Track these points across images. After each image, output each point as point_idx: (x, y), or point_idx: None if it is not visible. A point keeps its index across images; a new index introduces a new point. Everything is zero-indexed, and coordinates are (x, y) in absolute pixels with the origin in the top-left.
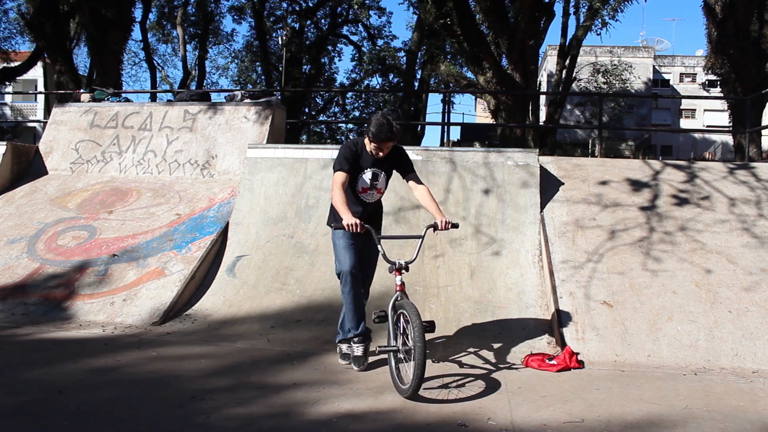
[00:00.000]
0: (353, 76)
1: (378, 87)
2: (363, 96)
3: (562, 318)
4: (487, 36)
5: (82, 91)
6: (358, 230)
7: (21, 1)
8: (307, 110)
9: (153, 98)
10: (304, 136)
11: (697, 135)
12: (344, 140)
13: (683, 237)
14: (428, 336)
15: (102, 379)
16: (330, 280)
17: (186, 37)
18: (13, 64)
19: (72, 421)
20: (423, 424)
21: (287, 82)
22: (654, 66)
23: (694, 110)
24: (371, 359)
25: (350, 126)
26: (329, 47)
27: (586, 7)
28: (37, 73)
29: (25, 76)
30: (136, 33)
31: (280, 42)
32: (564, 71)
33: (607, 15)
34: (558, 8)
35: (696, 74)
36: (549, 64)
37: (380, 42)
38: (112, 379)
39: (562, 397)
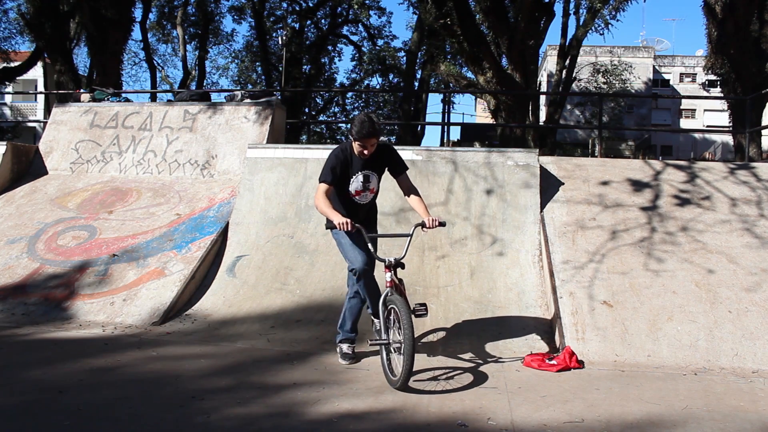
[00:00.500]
0: (353, 76)
1: (378, 87)
2: (363, 96)
3: (562, 318)
4: (487, 36)
5: (82, 91)
6: (349, 229)
7: (21, 1)
8: (307, 110)
9: (153, 98)
10: (304, 136)
11: (697, 135)
12: (344, 140)
13: (684, 237)
14: (431, 334)
15: (102, 379)
16: (330, 280)
17: (186, 37)
18: (13, 64)
19: (72, 421)
20: (423, 424)
21: (287, 82)
22: (654, 66)
23: (694, 110)
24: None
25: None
26: (329, 47)
27: (586, 8)
28: (37, 73)
29: (25, 76)
30: (136, 33)
31: (280, 42)
32: (564, 71)
33: (608, 15)
34: (558, 8)
35: (696, 74)
36: (549, 64)
37: (380, 42)
38: (112, 379)
39: (562, 397)
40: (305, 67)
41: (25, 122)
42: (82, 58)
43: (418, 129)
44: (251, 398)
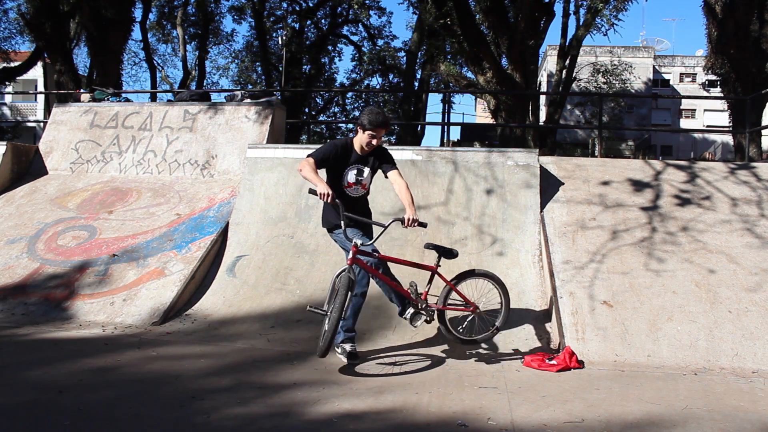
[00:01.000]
0: (353, 76)
1: (378, 87)
2: (363, 96)
3: (562, 318)
4: (487, 36)
5: (82, 91)
6: (328, 200)
7: (21, 1)
8: (307, 110)
9: (153, 98)
10: (304, 136)
11: (697, 135)
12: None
13: (684, 237)
14: (431, 334)
15: (102, 379)
16: (330, 280)
17: (186, 37)
18: (13, 64)
19: (72, 421)
20: (423, 423)
21: (287, 82)
22: (654, 66)
23: (694, 110)
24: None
25: (350, 126)
26: (329, 47)
27: (586, 8)
28: (37, 73)
29: (25, 76)
30: (136, 33)
31: (280, 42)
32: (564, 71)
33: (610, 15)
34: (558, 8)
35: (696, 74)
36: (549, 64)
37: (380, 42)
38: (112, 378)
39: (562, 397)
40: (305, 67)
41: (25, 122)
42: (82, 58)
43: (418, 129)
44: (251, 398)
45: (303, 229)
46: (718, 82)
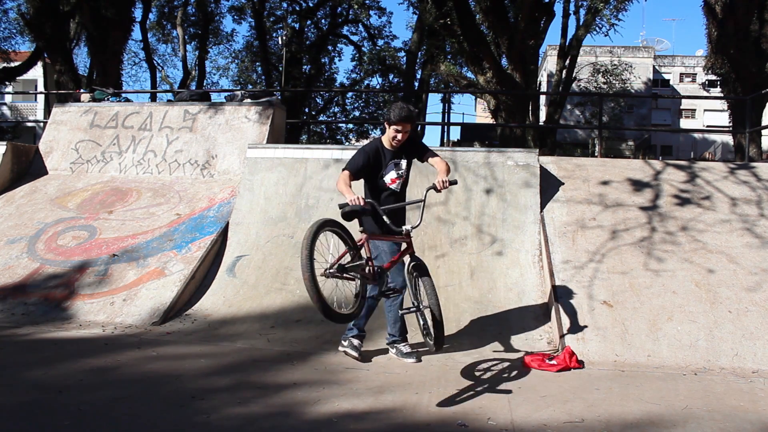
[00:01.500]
0: (353, 76)
1: (378, 87)
2: (363, 96)
3: (561, 318)
4: (487, 36)
5: (82, 91)
6: (361, 204)
7: (21, 1)
8: (307, 110)
9: (153, 98)
10: (304, 136)
11: (697, 135)
12: (344, 140)
13: (684, 237)
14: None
15: (102, 379)
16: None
17: (186, 37)
18: (13, 64)
19: (72, 421)
20: (423, 423)
21: (287, 82)
22: (654, 66)
23: (694, 110)
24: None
25: (350, 126)
26: (329, 47)
27: (586, 8)
28: (37, 73)
29: (25, 76)
30: (136, 33)
31: (280, 42)
32: (564, 71)
33: (610, 15)
34: (558, 8)
35: (696, 74)
36: (549, 64)
37: (380, 42)
38: (112, 378)
39: (562, 397)
40: (305, 67)
41: (25, 122)
42: (82, 58)
43: (418, 129)
44: (251, 398)
45: (303, 229)
46: (718, 82)
